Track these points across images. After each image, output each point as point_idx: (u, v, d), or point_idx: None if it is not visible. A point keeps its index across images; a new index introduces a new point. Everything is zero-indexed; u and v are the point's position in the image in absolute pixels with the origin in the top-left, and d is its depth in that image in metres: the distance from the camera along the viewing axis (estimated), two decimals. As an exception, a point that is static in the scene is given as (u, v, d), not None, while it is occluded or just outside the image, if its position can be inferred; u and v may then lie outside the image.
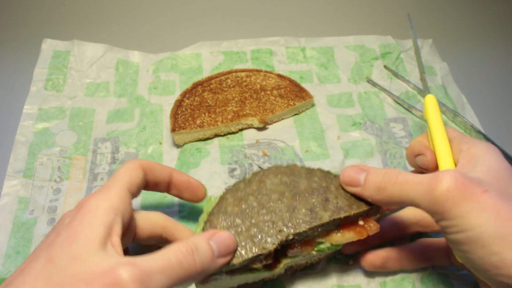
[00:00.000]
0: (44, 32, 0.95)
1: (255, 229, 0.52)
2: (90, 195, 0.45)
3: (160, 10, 1.06)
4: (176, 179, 0.56)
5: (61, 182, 0.70)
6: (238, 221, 0.53)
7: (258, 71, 0.87)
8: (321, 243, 0.56)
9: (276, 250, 0.55)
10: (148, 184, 0.53)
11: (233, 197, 0.56)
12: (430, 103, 0.57)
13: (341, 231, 0.57)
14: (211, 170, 0.72)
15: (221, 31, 1.01)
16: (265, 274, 0.56)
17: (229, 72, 0.86)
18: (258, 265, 0.52)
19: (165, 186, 0.56)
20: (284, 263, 0.55)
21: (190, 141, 0.77)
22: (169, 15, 1.05)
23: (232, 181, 0.71)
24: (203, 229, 0.53)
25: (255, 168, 0.72)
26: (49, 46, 0.88)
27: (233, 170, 0.73)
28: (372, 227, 0.57)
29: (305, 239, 0.54)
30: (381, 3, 1.10)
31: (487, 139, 0.76)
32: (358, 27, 1.01)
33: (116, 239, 0.41)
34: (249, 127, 0.80)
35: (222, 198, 0.57)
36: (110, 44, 0.90)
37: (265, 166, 0.73)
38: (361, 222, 0.58)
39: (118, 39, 0.96)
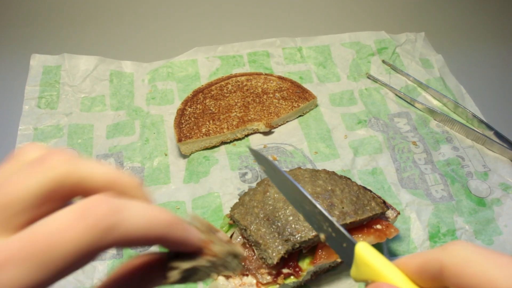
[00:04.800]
0: (31, 46, 0.91)
1: (261, 242, 0.53)
2: None
3: (151, 18, 1.04)
4: None
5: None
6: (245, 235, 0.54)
7: (258, 74, 0.86)
8: None
9: (296, 259, 0.55)
10: None
11: (239, 213, 0.57)
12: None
13: (361, 235, 0.57)
14: (222, 177, 0.71)
15: (215, 35, 0.99)
16: (292, 282, 0.56)
17: (229, 77, 0.85)
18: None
19: None
20: (308, 270, 0.55)
21: (197, 150, 0.75)
22: (160, 23, 1.03)
23: (244, 186, 0.70)
24: None
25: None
26: (38, 61, 0.84)
27: (244, 174, 0.71)
28: (392, 232, 0.58)
29: (313, 245, 0.54)
30: (369, -2, 1.11)
31: (489, 127, 0.78)
32: (352, 24, 1.01)
33: None
34: (255, 132, 0.79)
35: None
36: (101, 55, 0.87)
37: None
38: (379, 226, 0.59)
39: (108, 50, 0.93)
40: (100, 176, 0.27)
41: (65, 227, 0.23)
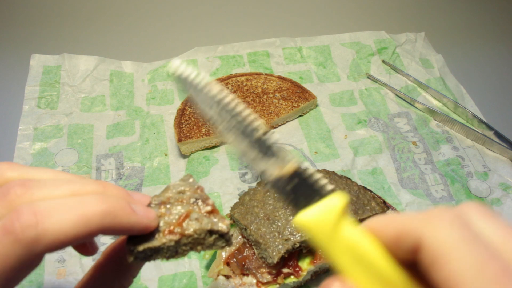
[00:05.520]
0: (31, 46, 0.91)
1: (261, 241, 0.53)
2: None
3: (150, 18, 1.04)
4: None
5: (67, 204, 0.67)
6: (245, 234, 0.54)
7: (258, 74, 0.86)
8: None
9: (296, 259, 0.55)
10: None
11: (239, 213, 0.57)
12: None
13: None
14: (222, 177, 0.71)
15: (215, 35, 0.99)
16: (292, 282, 0.56)
17: (229, 77, 0.85)
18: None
19: None
20: (308, 270, 0.55)
21: (197, 150, 0.75)
22: (160, 23, 1.02)
23: (244, 186, 0.70)
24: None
25: None
26: (38, 61, 0.84)
27: (244, 174, 0.71)
28: None
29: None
30: (369, -1, 1.11)
31: (489, 127, 0.78)
32: (352, 24, 1.01)
33: None
34: (255, 132, 0.78)
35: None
36: (101, 55, 0.87)
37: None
38: None
39: (108, 50, 0.93)
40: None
41: None
